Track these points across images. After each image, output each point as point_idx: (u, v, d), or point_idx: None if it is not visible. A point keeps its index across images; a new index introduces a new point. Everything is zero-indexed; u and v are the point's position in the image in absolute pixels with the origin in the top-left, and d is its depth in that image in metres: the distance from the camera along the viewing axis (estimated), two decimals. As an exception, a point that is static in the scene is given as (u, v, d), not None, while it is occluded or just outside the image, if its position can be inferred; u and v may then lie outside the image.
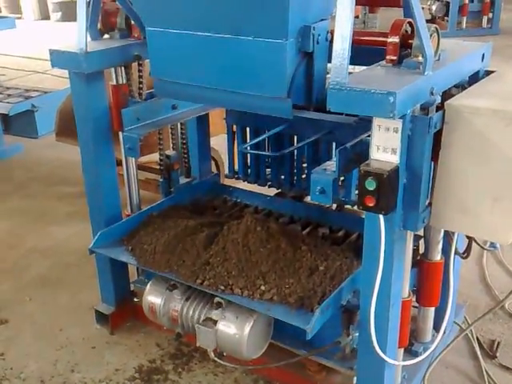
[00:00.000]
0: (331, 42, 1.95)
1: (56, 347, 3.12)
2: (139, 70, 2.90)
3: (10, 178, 5.32)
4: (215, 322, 2.47)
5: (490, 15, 10.89)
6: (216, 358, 2.53)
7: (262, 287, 2.42)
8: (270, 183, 3.14)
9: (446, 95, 2.14)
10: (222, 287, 2.45)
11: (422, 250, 2.58)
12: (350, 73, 1.87)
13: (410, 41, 2.00)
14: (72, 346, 3.12)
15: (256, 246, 2.58)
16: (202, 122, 3.27)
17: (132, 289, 3.23)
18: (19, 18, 14.23)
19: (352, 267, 2.52)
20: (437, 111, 2.01)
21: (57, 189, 5.02)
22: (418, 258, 2.55)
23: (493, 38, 9.90)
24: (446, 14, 10.87)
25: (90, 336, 3.18)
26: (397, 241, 2.05)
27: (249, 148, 2.98)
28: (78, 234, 4.13)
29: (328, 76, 2.23)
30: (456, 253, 2.44)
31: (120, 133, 2.85)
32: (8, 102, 5.83)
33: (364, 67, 2.06)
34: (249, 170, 3.18)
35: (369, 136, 1.96)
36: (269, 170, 3.13)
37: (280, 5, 2.00)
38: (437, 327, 2.67)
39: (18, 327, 3.29)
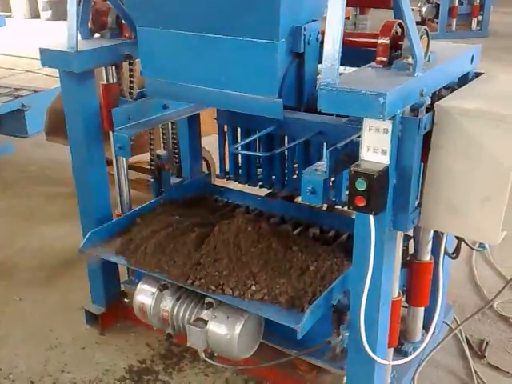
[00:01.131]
0: (322, 42, 1.96)
1: (46, 347, 3.10)
2: (130, 70, 2.89)
3: (-1, 177, 5.30)
4: (206, 322, 2.47)
5: (480, 18, 10.97)
6: (207, 358, 2.53)
7: (253, 287, 2.42)
8: (261, 183, 3.14)
9: (436, 96, 2.16)
10: (213, 287, 2.45)
11: (411, 250, 2.60)
12: (340, 74, 1.88)
13: (400, 42, 2.01)
14: (62, 347, 3.11)
15: (247, 246, 2.58)
16: (193, 121, 3.27)
17: (122, 289, 3.23)
18: (9, 16, 14.15)
19: (342, 267, 2.53)
20: (426, 112, 2.02)
21: (47, 188, 4.99)
22: (408, 258, 2.57)
23: (482, 40, 9.97)
24: (436, 16, 10.94)
25: (79, 336, 3.17)
26: (387, 241, 2.06)
27: (240, 148, 2.98)
28: (68, 234, 4.11)
29: (319, 77, 2.24)
30: (445, 253, 2.46)
31: (110, 132, 2.84)
32: (-3, 101, 5.79)
33: (354, 68, 2.07)
34: (240, 171, 3.18)
35: (359, 137, 1.97)
36: (260, 170, 3.13)
37: (271, 5, 2.01)
38: (426, 327, 2.68)
39: (8, 327, 3.27)
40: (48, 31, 12.17)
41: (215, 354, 2.55)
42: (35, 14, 14.37)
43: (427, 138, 2.01)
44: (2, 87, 6.38)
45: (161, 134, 3.31)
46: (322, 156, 2.75)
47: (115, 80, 2.86)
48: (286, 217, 3.11)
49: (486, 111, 1.93)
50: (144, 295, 2.67)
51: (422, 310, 2.71)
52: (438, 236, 2.43)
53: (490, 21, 11.07)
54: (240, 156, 3.14)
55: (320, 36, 2.22)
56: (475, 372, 2.83)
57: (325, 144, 2.76)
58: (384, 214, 1.98)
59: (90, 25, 2.76)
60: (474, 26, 11.04)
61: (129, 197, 3.18)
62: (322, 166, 2.15)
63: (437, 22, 10.86)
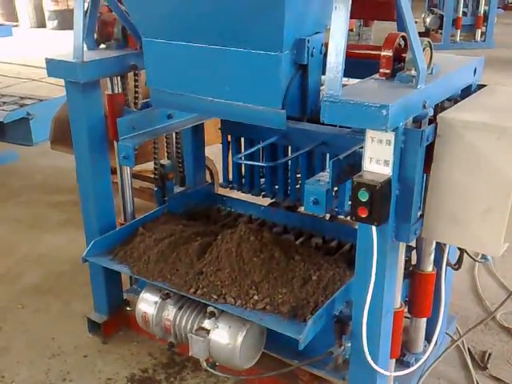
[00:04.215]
0: (325, 54, 1.97)
1: (48, 355, 3.10)
2: (135, 80, 2.92)
3: (4, 185, 5.31)
4: (208, 332, 2.47)
5: (484, 29, 11.01)
6: (208, 368, 2.53)
7: (255, 297, 2.43)
8: (264, 193, 3.15)
9: (439, 108, 2.17)
10: (215, 296, 2.46)
11: (414, 261, 2.60)
12: (343, 85, 1.89)
13: (403, 54, 2.02)
14: (64, 355, 3.11)
15: (249, 256, 2.59)
16: (197, 131, 3.29)
17: (125, 298, 3.23)
18: (16, 25, 14.26)
19: (345, 277, 2.53)
20: (429, 124, 2.03)
21: (51, 197, 5.01)
22: (410, 268, 2.57)
23: (486, 51, 10.00)
24: (440, 27, 10.99)
25: (82, 345, 3.17)
26: (389, 252, 2.07)
27: (243, 158, 3.00)
28: (72, 242, 4.12)
29: (322, 88, 2.26)
30: (448, 264, 2.46)
31: (115, 142, 2.86)
32: (3, 110, 5.80)
33: (358, 80, 2.08)
34: (243, 180, 3.20)
35: (362, 148, 1.98)
36: (263, 179, 3.14)
37: (275, 17, 2.03)
38: (428, 338, 2.68)
39: (10, 335, 3.28)
40: (54, 41, 12.26)
41: (217, 364, 2.55)
42: (41, 24, 14.49)
43: (430, 149, 2.02)
44: (7, 96, 6.41)
45: (165, 144, 3.33)
46: (325, 166, 2.76)
47: (120, 90, 2.88)
48: (289, 226, 3.12)
49: (489, 123, 1.94)
50: (146, 304, 2.67)
51: (424, 320, 2.71)
52: (440, 247, 2.43)
53: (494, 32, 11.11)
54: (243, 165, 3.15)
55: (324, 48, 2.23)
56: (477, 383, 2.82)
57: (328, 154, 2.78)
58: (386, 224, 1.99)
59: (95, 35, 2.78)
60: (477, 37, 11.09)
61: (132, 205, 3.20)
62: (325, 176, 2.16)
63: (441, 33, 10.91)
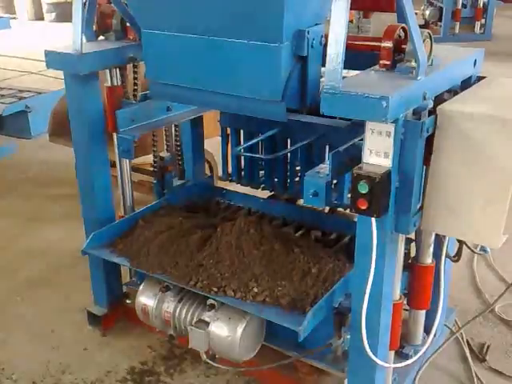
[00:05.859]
0: (325, 45, 1.97)
1: (48, 348, 3.11)
2: (134, 72, 2.91)
3: (2, 178, 5.30)
4: (208, 324, 2.48)
5: (483, 21, 10.97)
6: (208, 360, 2.54)
7: (255, 289, 2.43)
8: (263, 186, 3.15)
9: (438, 100, 2.16)
10: (215, 289, 2.46)
11: (413, 253, 2.60)
12: (343, 77, 1.89)
13: (403, 46, 2.02)
14: (64, 347, 3.11)
15: (249, 248, 2.59)
16: (196, 124, 3.28)
17: (124, 290, 3.24)
18: (13, 18, 14.21)
19: (344, 270, 2.53)
20: (429, 116, 2.03)
21: (50, 190, 5.01)
22: (410, 261, 2.57)
23: (485, 43, 9.97)
24: (439, 19, 10.94)
25: (81, 337, 3.17)
26: (388, 244, 2.07)
27: (242, 150, 2.99)
28: (71, 235, 4.12)
29: (322, 80, 2.25)
30: (447, 256, 2.46)
31: (114, 134, 2.85)
32: (1, 103, 5.80)
33: (358, 72, 2.08)
34: (242, 173, 3.19)
35: (362, 140, 1.98)
36: (262, 172, 3.14)
37: (275, 9, 2.02)
38: (427, 330, 2.68)
39: (10, 328, 3.28)
40: (52, 33, 12.21)
41: (217, 356, 2.55)
42: (39, 16, 14.43)
43: (429, 141, 2.02)
44: (5, 88, 6.41)
45: (164, 136, 3.32)
46: (325, 159, 2.75)
47: (119, 82, 2.87)
48: (288, 219, 3.12)
49: (489, 115, 1.94)
50: (146, 296, 2.68)
51: (423, 312, 2.72)
52: (439, 239, 2.43)
53: (494, 24, 11.07)
54: (243, 158, 3.15)
55: (323, 39, 2.22)
56: (476, 375, 2.83)
57: (327, 147, 2.77)
58: (386, 216, 1.99)
59: (94, 27, 2.77)
60: (477, 29, 11.05)
61: (132, 198, 3.19)
62: (325, 168, 2.16)
63: (440, 25, 10.86)
